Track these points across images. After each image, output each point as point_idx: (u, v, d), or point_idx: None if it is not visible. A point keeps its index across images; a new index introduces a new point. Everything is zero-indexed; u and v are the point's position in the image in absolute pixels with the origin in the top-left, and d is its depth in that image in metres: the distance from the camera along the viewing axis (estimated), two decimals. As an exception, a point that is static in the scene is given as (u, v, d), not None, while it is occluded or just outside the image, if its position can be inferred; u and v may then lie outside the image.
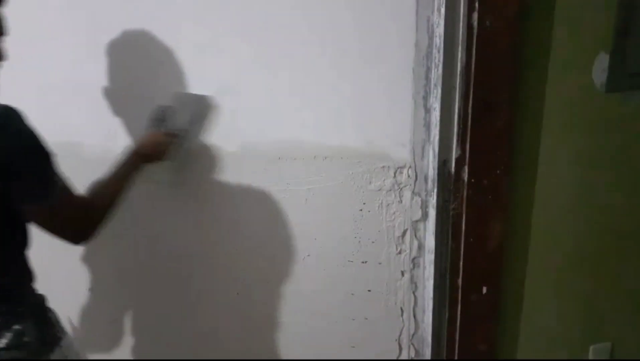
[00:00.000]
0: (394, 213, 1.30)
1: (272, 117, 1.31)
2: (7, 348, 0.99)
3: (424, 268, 1.32)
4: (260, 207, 1.37)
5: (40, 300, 1.11)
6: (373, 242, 1.33)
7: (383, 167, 1.27)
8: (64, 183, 1.04)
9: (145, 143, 1.28)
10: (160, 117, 1.33)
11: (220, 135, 1.35)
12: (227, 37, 1.26)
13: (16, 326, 1.01)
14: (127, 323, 1.56)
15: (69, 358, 1.11)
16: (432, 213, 1.25)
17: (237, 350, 1.51)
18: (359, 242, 1.34)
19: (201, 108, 1.34)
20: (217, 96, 1.31)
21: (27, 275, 1.08)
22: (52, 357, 1.06)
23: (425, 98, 1.19)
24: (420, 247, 1.31)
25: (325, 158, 1.31)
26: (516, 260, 1.26)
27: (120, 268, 1.52)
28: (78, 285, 1.53)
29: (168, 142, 1.31)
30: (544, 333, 1.33)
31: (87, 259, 1.51)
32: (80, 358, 1.17)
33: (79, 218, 1.08)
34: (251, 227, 1.40)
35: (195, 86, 1.32)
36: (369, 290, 1.37)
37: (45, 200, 0.99)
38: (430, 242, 1.28)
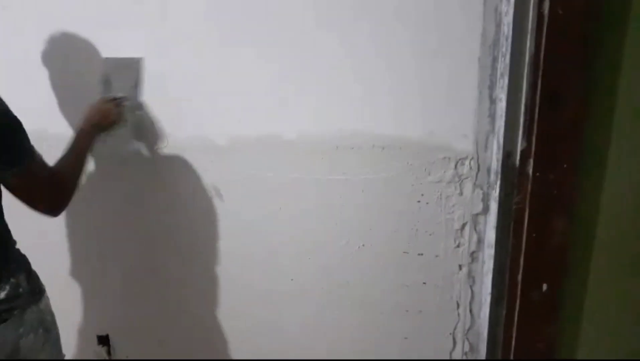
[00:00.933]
0: (454, 205, 1.29)
1: (330, 106, 1.33)
2: (7, 298, 1.13)
3: (483, 262, 1.31)
4: (315, 195, 1.40)
5: (24, 257, 1.24)
6: (430, 234, 1.34)
7: (444, 157, 1.27)
8: (34, 153, 1.13)
9: (93, 113, 1.36)
10: (105, 86, 1.43)
11: (277, 123, 1.38)
12: (293, 29, 1.29)
13: (12, 280, 1.15)
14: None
15: (49, 306, 1.26)
16: (493, 206, 1.24)
17: (288, 338, 1.54)
18: (416, 233, 1.35)
19: (134, 70, 1.41)
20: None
21: (10, 235, 1.20)
22: (40, 305, 1.20)
23: (491, 88, 1.18)
24: (480, 240, 1.30)
25: (384, 148, 1.31)
26: (580, 258, 1.24)
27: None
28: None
29: (114, 107, 1.40)
30: (606, 335, 1.31)
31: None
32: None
33: (49, 187, 1.17)
34: (306, 215, 1.42)
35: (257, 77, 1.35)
36: (424, 283, 1.38)
37: (18, 167, 1.08)
38: (490, 236, 1.27)
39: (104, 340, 1.71)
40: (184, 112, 1.43)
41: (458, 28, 1.18)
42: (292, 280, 1.48)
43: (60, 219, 1.62)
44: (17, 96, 1.42)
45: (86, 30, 1.44)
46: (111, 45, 1.43)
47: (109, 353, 1.72)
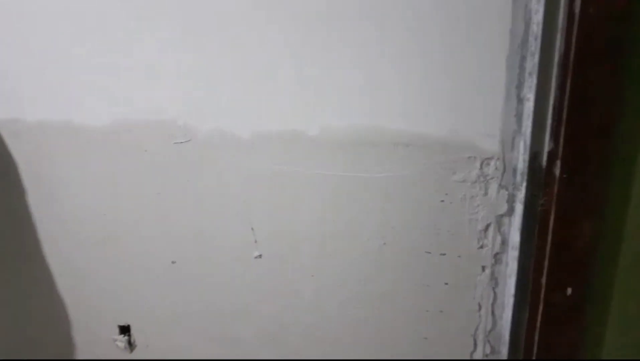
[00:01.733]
0: (478, 205, 1.30)
1: (354, 102, 1.34)
2: None
3: (507, 264, 1.32)
4: (337, 192, 1.42)
5: None
6: (453, 235, 1.35)
7: (469, 157, 1.27)
8: None
9: None
10: None
11: (300, 119, 1.40)
12: (320, 24, 1.31)
13: None
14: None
15: None
16: (518, 208, 1.25)
17: (307, 335, 1.57)
18: (439, 233, 1.36)
19: None
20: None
21: None
22: None
23: (519, 88, 1.18)
24: (504, 242, 1.31)
25: (408, 146, 1.32)
26: (606, 263, 1.24)
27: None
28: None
29: None
30: (631, 341, 1.31)
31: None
32: None
33: None
34: (327, 212, 1.44)
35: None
36: (446, 283, 1.39)
37: None
38: (514, 237, 1.28)
39: (125, 330, 1.76)
40: (206, 106, 1.46)
41: (486, 25, 1.18)
42: (312, 276, 1.51)
43: (83, 212, 1.67)
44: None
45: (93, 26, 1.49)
46: (123, 43, 1.48)
47: (130, 343, 1.77)
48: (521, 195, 1.23)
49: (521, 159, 1.22)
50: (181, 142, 1.51)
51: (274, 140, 1.43)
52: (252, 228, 1.52)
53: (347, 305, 1.50)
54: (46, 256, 1.79)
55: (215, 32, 1.39)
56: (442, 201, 1.33)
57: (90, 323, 1.82)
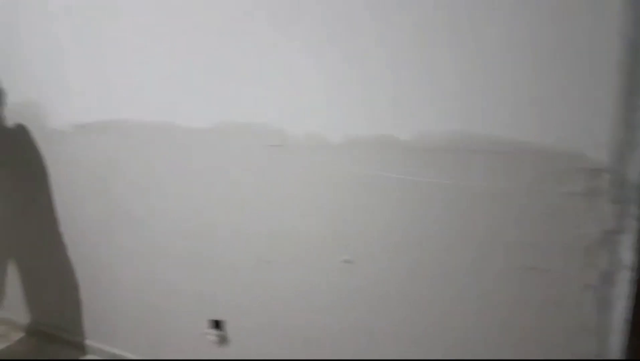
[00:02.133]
0: (585, 220, 1.22)
1: (449, 106, 1.31)
2: None
3: (617, 285, 1.23)
4: (429, 200, 1.39)
5: None
6: (557, 250, 1.27)
7: (576, 167, 1.20)
8: None
9: None
10: None
11: (392, 123, 1.39)
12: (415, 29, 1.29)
13: None
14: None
15: None
16: (631, 224, 1.16)
17: (392, 344, 1.57)
18: (541, 248, 1.30)
19: None
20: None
21: None
22: None
23: (632, 95, 1.09)
24: (614, 261, 1.22)
25: (510, 154, 1.27)
26: None
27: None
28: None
29: None
30: None
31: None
32: None
33: None
34: (420, 220, 1.43)
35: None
36: (549, 301, 1.32)
37: None
38: (626, 256, 1.19)
39: (217, 325, 1.85)
40: (300, 110, 1.49)
41: (595, 28, 1.10)
42: (402, 280, 1.50)
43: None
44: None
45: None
46: (221, 49, 1.55)
47: (222, 337, 1.86)
48: (635, 211, 1.14)
49: (635, 172, 1.13)
50: (275, 145, 1.55)
51: (365, 144, 1.43)
52: (341, 232, 1.54)
53: (439, 312, 1.47)
54: (140, 248, 1.93)
55: (310, 38, 1.42)
56: (546, 214, 1.27)
57: (183, 316, 1.95)
